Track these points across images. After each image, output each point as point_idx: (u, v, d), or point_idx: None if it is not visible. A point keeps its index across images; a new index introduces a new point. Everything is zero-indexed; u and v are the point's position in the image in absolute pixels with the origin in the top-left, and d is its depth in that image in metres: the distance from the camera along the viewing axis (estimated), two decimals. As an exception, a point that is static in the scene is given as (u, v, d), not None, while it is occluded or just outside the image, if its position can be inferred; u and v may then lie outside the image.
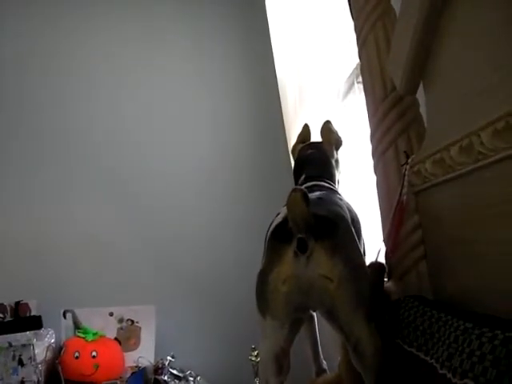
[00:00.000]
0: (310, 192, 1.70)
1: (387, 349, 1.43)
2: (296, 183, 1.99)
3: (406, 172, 1.61)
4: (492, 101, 1.20)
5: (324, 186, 1.83)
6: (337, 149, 2.08)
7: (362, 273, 1.43)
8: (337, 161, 2.06)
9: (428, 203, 1.59)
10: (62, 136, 3.89)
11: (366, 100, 1.87)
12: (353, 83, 2.76)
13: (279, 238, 1.43)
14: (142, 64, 4.01)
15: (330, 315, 1.41)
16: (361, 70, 1.93)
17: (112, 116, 3.95)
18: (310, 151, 2.06)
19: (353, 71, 2.72)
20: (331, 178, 1.95)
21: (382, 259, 1.67)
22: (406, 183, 1.60)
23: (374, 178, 1.84)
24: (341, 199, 1.70)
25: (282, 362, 1.49)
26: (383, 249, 1.68)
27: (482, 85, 1.25)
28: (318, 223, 1.36)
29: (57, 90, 3.92)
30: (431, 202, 1.56)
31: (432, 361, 1.21)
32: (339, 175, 2.06)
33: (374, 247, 1.81)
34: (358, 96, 2.60)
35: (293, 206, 1.33)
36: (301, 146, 2.13)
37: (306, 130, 2.21)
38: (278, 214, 1.52)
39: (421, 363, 1.26)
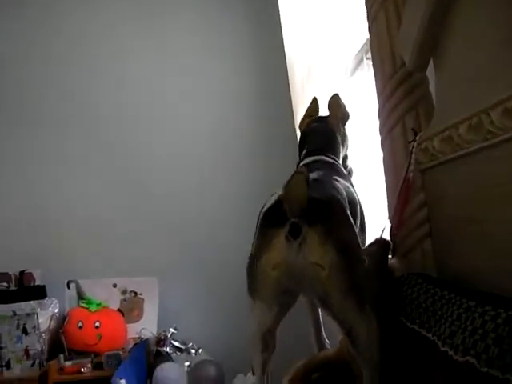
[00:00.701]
0: (309, 170, 1.69)
1: (389, 325, 1.43)
2: (299, 156, 1.97)
3: (414, 149, 1.60)
4: (503, 80, 1.19)
5: (325, 162, 1.81)
6: (343, 123, 2.04)
7: (356, 259, 1.39)
8: (343, 135, 2.02)
9: (434, 181, 1.58)
10: (66, 111, 3.88)
11: (375, 76, 1.86)
12: (361, 59, 2.73)
13: (271, 221, 1.39)
14: (147, 41, 3.98)
15: (322, 302, 1.41)
16: (370, 45, 1.91)
17: (114, 93, 3.93)
18: (314, 124, 2.04)
19: (362, 47, 2.69)
20: (334, 152, 1.91)
21: (387, 236, 1.66)
22: (412, 160, 1.59)
23: (380, 155, 1.83)
24: (338, 180, 1.66)
25: (267, 340, 1.52)
26: (388, 226, 1.67)
27: (494, 63, 1.24)
28: (312, 207, 1.32)
29: (59, 65, 3.90)
30: (438, 180, 1.55)
31: (434, 338, 1.21)
32: (345, 150, 2.03)
33: (379, 224, 1.81)
34: (367, 72, 2.58)
35: (294, 188, 1.31)
36: (308, 119, 2.11)
37: (314, 104, 2.18)
38: (273, 195, 1.48)
39: (423, 340, 1.27)
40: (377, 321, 1.39)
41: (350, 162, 2.07)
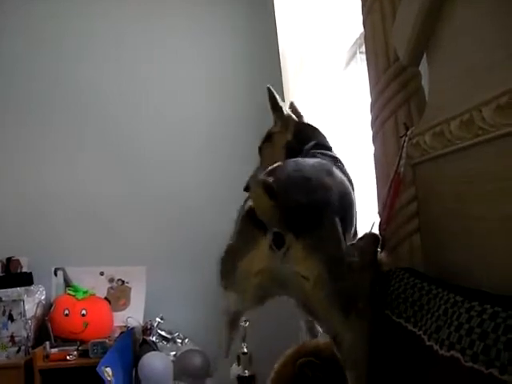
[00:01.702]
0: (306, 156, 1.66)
1: (376, 319, 1.43)
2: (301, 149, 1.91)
3: (405, 144, 1.59)
4: (495, 77, 1.19)
5: (327, 155, 1.80)
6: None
7: (342, 268, 1.33)
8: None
9: (425, 176, 1.58)
10: (55, 99, 3.86)
11: (368, 70, 1.85)
12: (355, 53, 2.73)
13: (255, 223, 1.31)
14: (143, 26, 3.96)
15: (306, 309, 1.37)
16: (364, 38, 1.90)
17: (110, 82, 3.92)
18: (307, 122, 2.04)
19: (355, 41, 2.69)
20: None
21: (376, 230, 1.66)
22: (404, 155, 1.59)
23: (372, 149, 1.82)
24: (331, 174, 1.59)
25: (235, 319, 1.51)
26: (378, 220, 1.67)
27: (487, 60, 1.23)
28: (297, 214, 1.27)
29: (56, 53, 3.88)
30: (428, 175, 1.55)
31: (420, 332, 1.21)
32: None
33: (369, 218, 1.81)
34: (360, 65, 2.57)
35: (256, 202, 1.26)
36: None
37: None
38: None
39: (408, 334, 1.27)
40: (367, 324, 1.36)
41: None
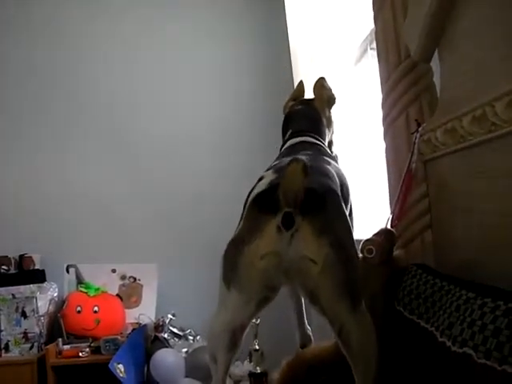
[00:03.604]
0: (296, 150, 1.62)
1: (387, 316, 1.43)
2: (283, 138, 1.90)
3: (416, 140, 1.59)
4: (508, 72, 1.18)
5: (310, 143, 1.74)
6: (329, 106, 1.98)
7: (350, 255, 1.31)
8: (329, 119, 1.96)
9: (437, 172, 1.58)
10: (68, 100, 3.88)
11: (379, 66, 1.85)
12: (366, 49, 2.72)
13: (262, 207, 1.30)
14: (155, 29, 3.95)
15: (312, 298, 1.30)
16: (375, 35, 1.89)
17: (119, 81, 3.92)
18: (299, 107, 1.98)
19: (366, 37, 2.68)
20: (320, 134, 1.84)
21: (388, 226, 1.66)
22: (415, 151, 1.59)
23: (383, 145, 1.82)
24: (329, 163, 1.59)
25: (237, 337, 1.37)
26: (390, 216, 1.67)
27: (499, 56, 1.23)
28: (307, 197, 1.24)
29: (66, 52, 3.90)
30: (440, 171, 1.55)
31: (432, 329, 1.21)
32: (331, 135, 1.97)
33: (381, 214, 1.81)
34: (371, 62, 2.57)
35: (291, 177, 1.22)
36: (292, 102, 2.05)
37: (299, 87, 2.12)
38: (261, 179, 1.41)
39: (421, 331, 1.27)
40: (379, 321, 1.34)
41: (335, 149, 2.01)
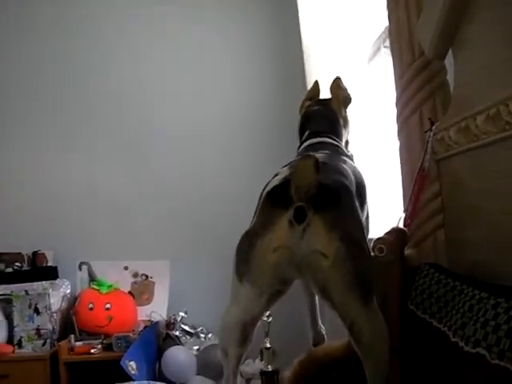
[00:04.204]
0: (314, 150, 1.62)
1: (399, 315, 1.42)
2: (300, 139, 1.90)
3: (430, 139, 1.58)
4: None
5: (328, 144, 1.75)
6: (345, 106, 1.97)
7: (361, 251, 1.32)
8: (345, 119, 1.95)
9: (450, 171, 1.57)
10: (81, 97, 3.90)
11: (393, 64, 1.84)
12: (379, 47, 2.71)
13: (275, 201, 1.33)
14: (165, 25, 3.95)
15: (323, 292, 1.31)
16: (389, 33, 1.89)
17: (129, 76, 3.93)
18: (316, 107, 1.97)
19: (380, 35, 2.67)
20: (337, 135, 1.85)
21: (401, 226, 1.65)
22: (428, 150, 1.58)
23: (396, 144, 1.81)
24: (345, 162, 1.61)
25: (248, 331, 1.40)
26: (403, 215, 1.66)
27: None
28: (320, 192, 1.26)
29: (78, 49, 3.91)
30: (453, 170, 1.54)
31: (445, 329, 1.20)
32: (347, 135, 1.97)
33: (394, 213, 1.80)
34: (385, 60, 2.56)
35: (302, 172, 1.24)
36: (308, 102, 2.04)
37: (315, 87, 2.11)
38: (276, 175, 1.42)
39: (433, 331, 1.26)
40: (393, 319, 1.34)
41: (351, 148, 2.00)
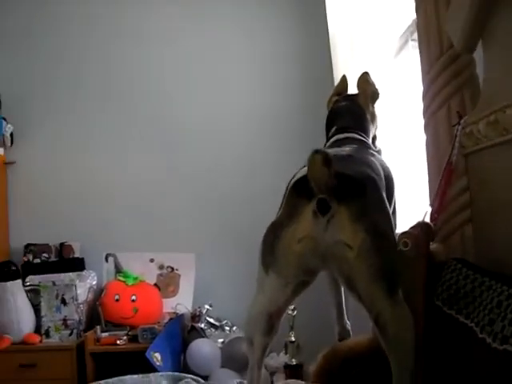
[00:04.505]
0: (341, 146, 1.63)
1: (424, 310, 1.41)
2: (327, 135, 1.89)
3: (458, 133, 1.56)
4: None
5: (356, 139, 1.74)
6: (373, 101, 1.96)
7: (387, 242, 1.32)
8: (372, 114, 1.94)
9: (478, 166, 1.55)
10: (109, 87, 3.92)
11: (421, 57, 1.82)
12: (406, 40, 2.68)
13: (300, 192, 1.33)
14: (193, 23, 3.96)
15: (348, 284, 1.31)
16: (417, 25, 1.86)
17: (156, 68, 3.95)
18: (343, 103, 1.96)
19: (407, 28, 2.64)
20: (365, 131, 1.84)
21: (428, 220, 1.63)
22: (456, 144, 1.56)
23: (424, 138, 1.80)
24: (373, 155, 1.61)
25: (273, 321, 1.41)
26: (430, 210, 1.64)
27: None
28: (344, 183, 1.26)
29: (103, 42, 3.95)
30: (482, 164, 1.52)
31: (472, 324, 1.19)
32: (375, 130, 1.96)
33: (419, 207, 1.78)
34: (412, 53, 2.53)
35: (312, 168, 1.24)
36: (336, 97, 2.03)
37: (343, 82, 2.10)
38: (303, 167, 1.40)
39: (460, 326, 1.25)
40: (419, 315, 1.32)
41: (378, 143, 1.99)
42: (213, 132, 3.88)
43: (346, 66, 3.13)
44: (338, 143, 1.72)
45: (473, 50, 1.58)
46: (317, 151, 1.25)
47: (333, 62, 3.39)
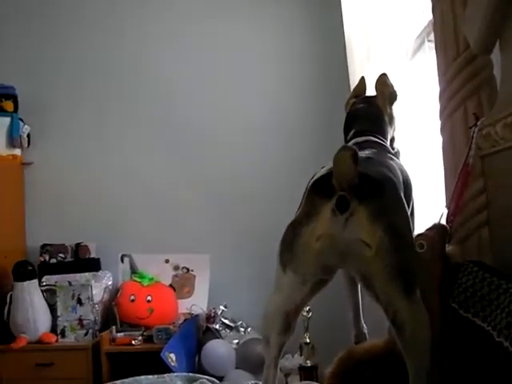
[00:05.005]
0: (360, 149, 1.64)
1: (440, 312, 1.40)
2: (345, 138, 1.89)
3: (474, 135, 1.56)
4: None
5: (375, 142, 1.74)
6: (391, 103, 1.95)
7: (406, 242, 1.34)
8: (390, 116, 1.93)
9: (495, 168, 1.54)
10: (127, 89, 3.95)
11: (437, 58, 1.81)
12: (423, 41, 2.67)
13: (320, 191, 1.35)
14: (207, 22, 3.96)
15: (366, 282, 1.33)
16: (433, 26, 1.85)
17: (171, 68, 3.96)
18: (361, 105, 1.95)
19: (424, 29, 2.63)
20: (383, 133, 1.84)
21: (443, 222, 1.62)
22: (473, 146, 1.55)
23: (440, 140, 1.79)
24: (392, 159, 1.62)
25: (290, 320, 1.42)
26: (446, 212, 1.63)
27: None
28: (364, 183, 1.27)
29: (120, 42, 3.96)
30: (499, 166, 1.51)
31: (489, 328, 1.18)
32: (393, 132, 1.95)
33: (435, 209, 1.77)
34: (428, 54, 2.52)
35: (340, 164, 1.26)
36: (353, 100, 2.02)
37: (361, 84, 2.09)
38: (323, 167, 1.43)
39: (476, 329, 1.24)
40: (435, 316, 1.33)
41: (396, 145, 1.99)
42: (228, 133, 3.88)
43: (362, 67, 3.12)
44: (357, 146, 1.72)
45: (490, 51, 1.57)
46: (345, 147, 1.28)
47: (348, 62, 3.38)
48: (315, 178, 1.41)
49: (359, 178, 1.27)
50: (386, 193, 1.36)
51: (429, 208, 2.30)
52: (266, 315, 1.46)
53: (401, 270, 1.28)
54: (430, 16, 1.90)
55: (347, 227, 1.27)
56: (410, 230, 1.42)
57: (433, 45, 1.90)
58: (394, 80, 2.07)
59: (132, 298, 3.48)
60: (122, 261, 3.71)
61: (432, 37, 1.96)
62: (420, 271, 1.35)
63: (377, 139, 1.78)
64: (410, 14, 2.79)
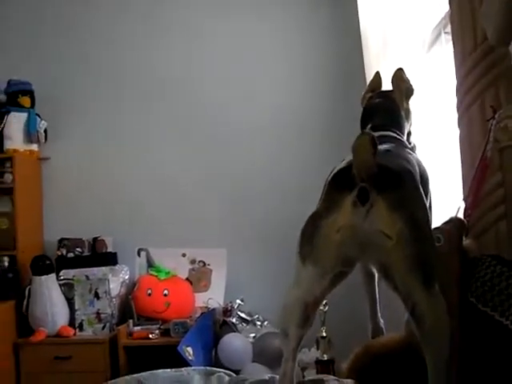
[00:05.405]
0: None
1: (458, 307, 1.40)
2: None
3: (492, 127, 1.54)
4: None
5: (392, 137, 1.73)
6: (407, 98, 1.94)
7: (425, 234, 1.35)
8: (407, 111, 1.92)
9: (513, 161, 1.52)
10: (144, 85, 3.96)
11: (454, 51, 1.80)
12: (439, 33, 2.64)
13: (340, 184, 1.36)
14: (220, 17, 3.96)
15: (385, 273, 1.33)
16: (450, 18, 1.84)
17: (190, 64, 3.96)
18: (378, 100, 1.94)
19: (440, 21, 2.60)
20: (399, 128, 1.83)
21: (461, 215, 1.61)
22: (491, 139, 1.53)
23: (457, 133, 1.77)
24: (409, 153, 1.62)
25: (309, 312, 1.42)
26: (463, 205, 1.62)
27: None
28: (383, 174, 1.28)
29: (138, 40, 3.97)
30: (517, 159, 1.50)
31: (507, 322, 1.18)
32: (409, 126, 1.94)
33: (452, 203, 1.76)
34: (445, 47, 2.50)
35: (359, 150, 1.27)
36: (370, 94, 2.01)
37: (376, 78, 2.07)
38: (343, 160, 1.44)
39: (495, 324, 1.24)
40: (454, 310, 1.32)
41: (413, 139, 1.97)
42: (245, 130, 3.87)
43: (378, 61, 3.10)
44: None
45: (508, 44, 1.55)
46: (364, 133, 1.30)
47: (364, 56, 3.35)
48: (335, 170, 1.42)
49: (378, 170, 1.27)
50: (406, 184, 1.37)
51: (446, 202, 2.29)
52: (285, 308, 1.46)
53: (420, 262, 1.29)
54: (447, 7, 1.88)
55: (368, 218, 1.28)
56: (428, 222, 1.43)
57: (449, 37, 1.88)
58: (410, 73, 2.05)
59: (149, 291, 3.50)
60: (139, 255, 3.73)
61: (449, 29, 1.95)
62: (438, 265, 1.35)
63: (394, 134, 1.77)
64: (427, 6, 2.77)
